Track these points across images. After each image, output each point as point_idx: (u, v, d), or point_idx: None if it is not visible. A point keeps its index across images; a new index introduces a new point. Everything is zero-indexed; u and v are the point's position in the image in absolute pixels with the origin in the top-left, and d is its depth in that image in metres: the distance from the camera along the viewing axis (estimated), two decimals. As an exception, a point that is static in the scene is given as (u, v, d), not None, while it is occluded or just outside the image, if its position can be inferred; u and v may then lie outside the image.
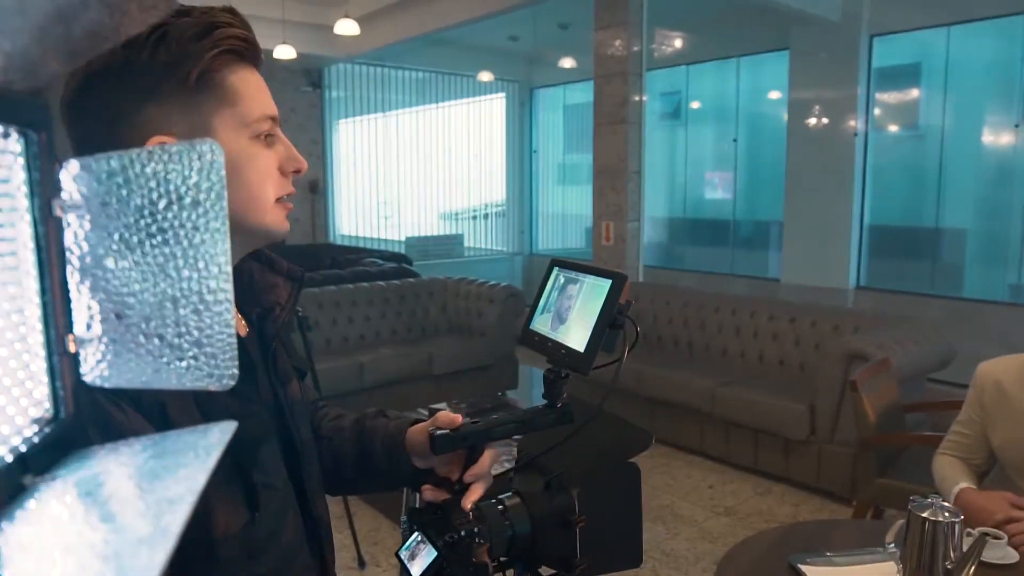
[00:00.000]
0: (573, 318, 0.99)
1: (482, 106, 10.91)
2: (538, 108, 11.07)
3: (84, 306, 0.39)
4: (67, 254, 0.38)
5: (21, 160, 0.35)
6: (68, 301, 0.38)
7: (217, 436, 0.41)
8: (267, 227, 0.84)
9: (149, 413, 0.72)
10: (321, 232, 10.09)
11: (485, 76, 9.38)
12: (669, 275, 8.53)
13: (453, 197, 11.16)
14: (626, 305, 0.97)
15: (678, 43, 8.58)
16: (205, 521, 0.76)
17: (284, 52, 7.13)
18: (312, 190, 9.92)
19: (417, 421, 1.04)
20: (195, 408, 0.77)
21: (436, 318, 5.48)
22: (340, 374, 4.53)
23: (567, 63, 8.95)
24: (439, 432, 0.95)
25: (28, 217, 0.36)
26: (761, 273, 8.10)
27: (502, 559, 1.02)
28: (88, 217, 0.38)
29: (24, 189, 0.35)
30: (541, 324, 1.06)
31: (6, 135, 0.34)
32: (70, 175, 0.38)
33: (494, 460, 0.98)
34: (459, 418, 0.96)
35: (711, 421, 4.07)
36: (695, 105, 8.84)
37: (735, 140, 8.17)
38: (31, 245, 0.36)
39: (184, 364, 0.40)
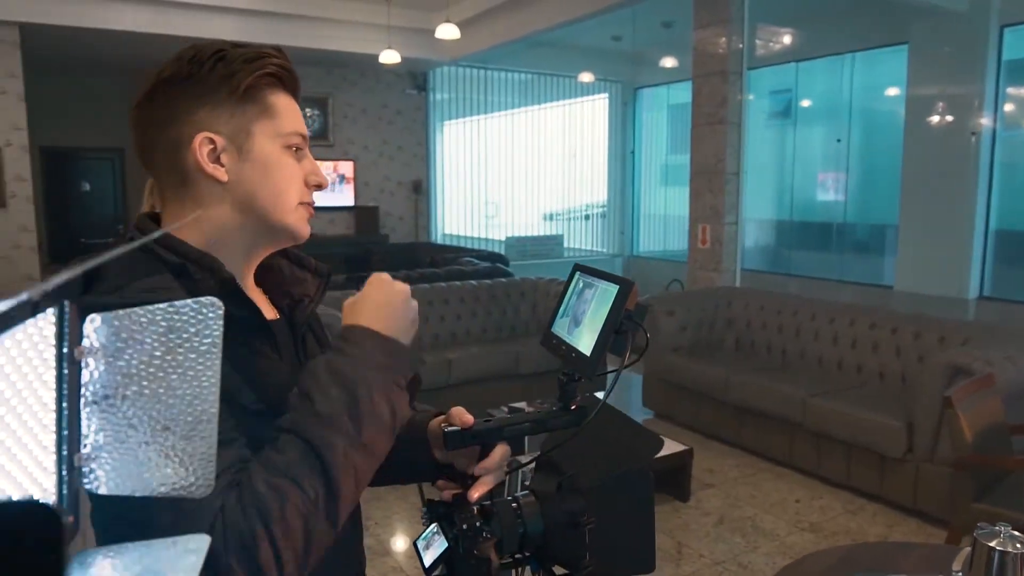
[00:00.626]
0: (586, 322, 1.00)
1: (584, 107, 10.89)
2: (641, 108, 10.94)
3: (92, 431, 0.47)
4: (83, 389, 0.47)
5: (53, 320, 0.44)
6: (79, 427, 0.47)
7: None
8: (289, 226, 0.93)
9: None
10: (423, 231, 10.36)
11: (586, 77, 9.37)
12: (773, 280, 8.23)
13: (555, 198, 11.20)
14: (638, 311, 0.97)
15: (787, 39, 8.27)
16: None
17: (389, 57, 7.37)
18: (415, 190, 10.20)
19: (439, 414, 1.07)
20: (235, 378, 0.82)
21: (526, 318, 5.53)
22: (428, 370, 4.65)
23: (671, 62, 8.81)
24: (450, 428, 0.98)
25: (53, 364, 0.44)
26: (873, 280, 7.69)
27: (516, 556, 1.03)
28: (103, 361, 0.47)
29: (52, 345, 0.44)
30: (560, 327, 1.08)
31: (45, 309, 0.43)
32: (92, 326, 0.47)
33: (504, 457, 1.00)
34: (470, 417, 0.99)
35: (801, 432, 3.91)
36: (805, 103, 8.49)
37: (839, 140, 7.79)
38: (54, 385, 0.44)
39: (171, 480, 0.49)
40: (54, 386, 0.44)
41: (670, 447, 3.58)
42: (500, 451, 1.00)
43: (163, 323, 0.49)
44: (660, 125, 10.80)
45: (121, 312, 0.48)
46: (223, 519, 0.69)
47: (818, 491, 3.75)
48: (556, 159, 10.99)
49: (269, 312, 0.98)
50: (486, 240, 10.66)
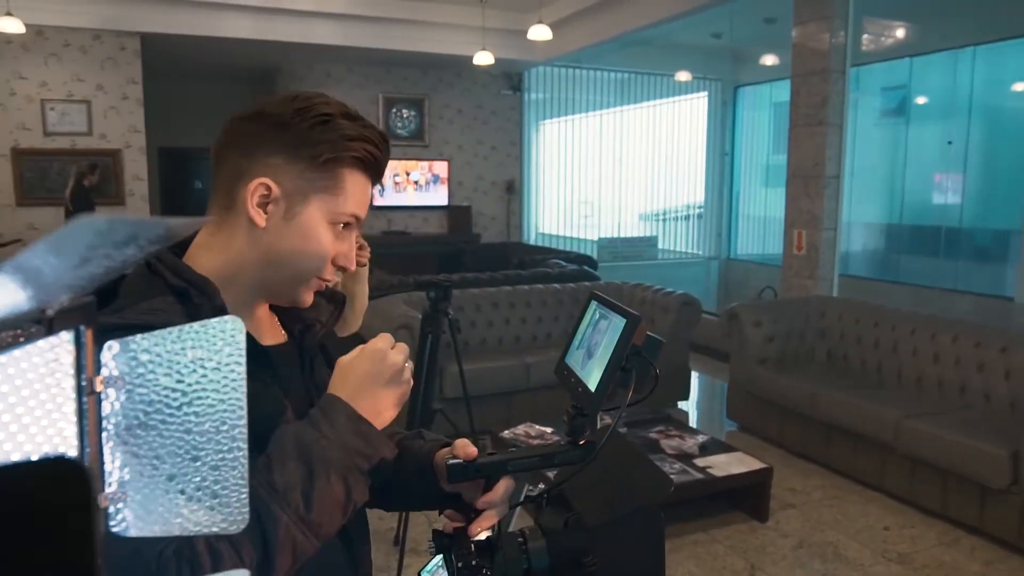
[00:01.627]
0: (597, 356, 0.97)
1: (682, 105, 10.64)
2: (742, 107, 10.58)
3: (117, 467, 0.46)
4: (104, 422, 0.46)
5: (70, 347, 0.43)
6: (102, 464, 0.45)
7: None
8: (295, 291, 0.96)
9: None
10: (515, 231, 10.40)
11: (683, 76, 9.15)
12: (879, 287, 7.79)
13: (650, 198, 10.99)
14: (648, 347, 0.93)
15: (900, 33, 7.79)
16: None
17: (482, 58, 7.43)
18: (508, 190, 10.25)
19: (446, 445, 1.06)
20: None
21: (608, 323, 5.46)
22: (507, 373, 4.67)
23: (774, 59, 8.47)
24: (452, 461, 0.96)
25: (73, 395, 0.43)
26: (991, 290, 7.15)
27: None
28: (124, 391, 0.46)
29: (71, 375, 0.43)
30: (573, 359, 1.04)
31: (57, 332, 0.42)
32: (111, 354, 0.45)
33: (508, 491, 0.98)
34: (474, 450, 0.97)
35: (894, 455, 3.67)
36: (920, 100, 7.98)
37: (950, 143, 7.26)
38: (74, 419, 0.43)
39: (202, 514, 0.47)
40: (75, 419, 0.43)
41: (748, 464, 3.44)
42: (503, 485, 0.97)
43: (186, 345, 0.48)
44: (762, 124, 10.42)
45: (140, 337, 0.47)
46: (157, 568, 0.69)
47: (910, 519, 3.51)
48: (652, 159, 10.79)
49: (276, 336, 1.01)
50: (580, 240, 10.58)
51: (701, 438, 3.68)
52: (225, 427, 0.48)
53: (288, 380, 0.97)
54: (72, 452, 0.45)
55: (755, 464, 3.45)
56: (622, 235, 10.70)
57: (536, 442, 3.64)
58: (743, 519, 3.49)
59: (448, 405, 3.68)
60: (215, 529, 0.49)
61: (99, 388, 0.46)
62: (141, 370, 0.47)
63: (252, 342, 0.91)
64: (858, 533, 3.38)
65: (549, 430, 3.78)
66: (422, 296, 3.60)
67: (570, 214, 10.82)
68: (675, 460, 3.44)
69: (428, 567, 0.98)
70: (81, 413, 0.45)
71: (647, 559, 0.98)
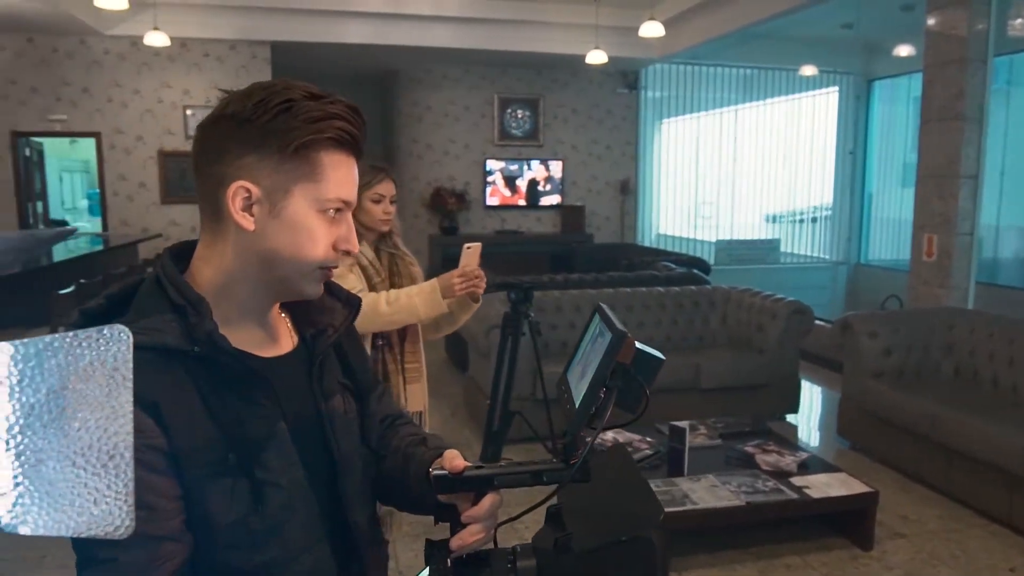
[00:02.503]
0: (588, 373, 0.91)
1: (811, 101, 10.08)
2: (877, 102, 9.90)
3: (3, 465, 0.47)
4: None
5: None
6: None
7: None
8: (300, 286, 0.94)
9: (151, 409, 0.82)
10: (629, 232, 10.23)
11: (808, 70, 8.69)
12: (1028, 298, 7.06)
13: (775, 199, 10.50)
14: (639, 365, 0.86)
15: (1060, 17, 7.01)
16: (202, 507, 0.85)
17: (596, 57, 7.35)
18: (623, 190, 10.09)
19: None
20: (202, 409, 0.86)
21: (714, 329, 5.24)
22: (602, 377, 4.58)
23: (912, 50, 7.87)
24: (438, 472, 0.94)
25: None
26: None
27: None
28: (7, 391, 0.47)
29: None
30: (572, 374, 0.99)
31: None
32: (3, 357, 0.47)
33: (494, 507, 0.93)
34: (461, 462, 0.93)
35: (1026, 487, 3.30)
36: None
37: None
38: None
39: (86, 518, 0.49)
40: None
41: (850, 486, 3.20)
42: (489, 500, 0.93)
43: (67, 353, 0.48)
44: (899, 120, 9.71)
45: (27, 341, 0.48)
46: None
47: (1042, 559, 3.15)
48: (778, 158, 10.30)
49: (284, 343, 1.00)
50: (699, 242, 10.26)
51: (801, 455, 3.46)
52: (108, 435, 0.48)
53: (290, 392, 0.96)
54: None
55: (858, 487, 3.19)
56: (744, 237, 10.28)
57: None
58: (844, 546, 3.24)
59: (531, 407, 3.64)
60: (97, 533, 0.49)
61: None
62: (28, 375, 0.47)
63: (248, 358, 0.91)
64: (977, 572, 3.06)
65: (638, 437, 3.67)
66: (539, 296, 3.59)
67: (690, 215, 10.52)
68: (769, 477, 3.24)
69: (420, 574, 0.96)
70: None
71: (638, 592, 0.91)
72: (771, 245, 10.14)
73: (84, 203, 11.40)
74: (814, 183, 10.32)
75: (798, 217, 10.55)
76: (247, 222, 0.88)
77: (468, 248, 2.25)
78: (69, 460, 0.48)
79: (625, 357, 0.85)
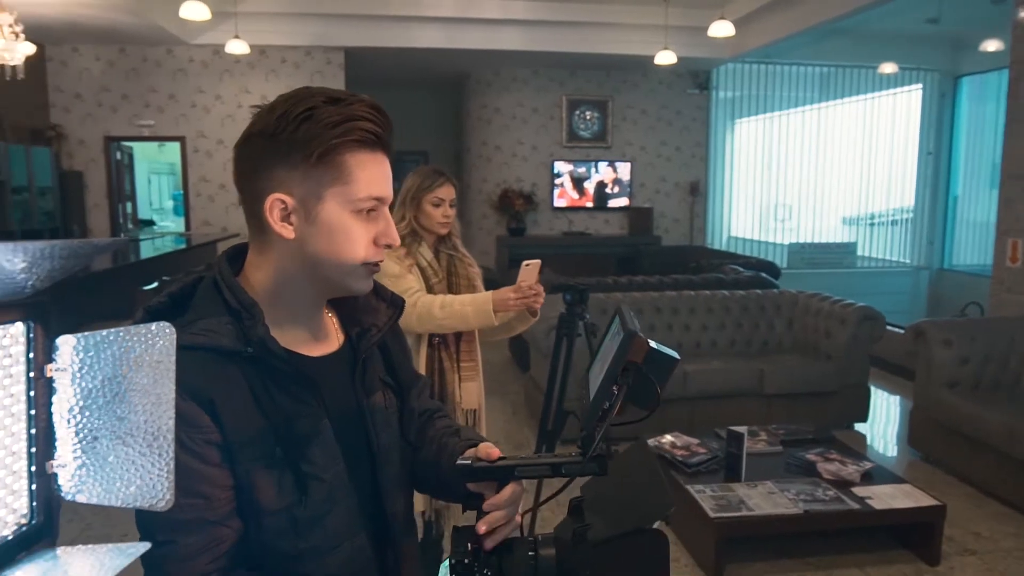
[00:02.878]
0: (604, 370, 0.93)
1: (891, 100, 9.72)
2: (964, 99, 9.46)
3: (64, 441, 0.55)
4: (54, 403, 0.55)
5: (23, 341, 0.53)
6: (52, 437, 0.55)
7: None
8: (347, 284, 0.99)
9: (207, 405, 0.90)
10: (699, 234, 10.08)
11: (887, 67, 8.38)
12: None
13: (853, 201, 10.16)
14: (651, 364, 0.88)
15: None
16: (251, 496, 0.92)
17: (664, 57, 7.28)
18: (692, 192, 9.95)
19: (475, 445, 1.07)
20: (253, 405, 0.93)
21: (780, 334, 5.13)
22: (662, 380, 4.54)
23: (999, 45, 7.50)
24: (460, 462, 0.98)
25: (24, 380, 0.53)
26: None
27: None
28: (70, 377, 0.55)
29: (23, 361, 0.53)
30: (593, 371, 1.02)
31: (14, 322, 0.53)
32: (63, 347, 0.55)
33: (514, 496, 0.96)
34: (496, 452, 0.97)
35: (1111, 506, 3.12)
36: None
37: None
38: (23, 399, 0.53)
39: (133, 490, 0.55)
40: (23, 399, 0.53)
41: (916, 498, 3.09)
42: (509, 490, 0.96)
43: (120, 345, 0.54)
44: (988, 118, 9.24)
45: (89, 334, 0.55)
46: None
47: None
48: (856, 158, 9.96)
49: (331, 343, 1.05)
50: (773, 245, 10.02)
51: (866, 465, 3.36)
52: (153, 419, 0.54)
53: (335, 389, 1.02)
54: (20, 424, 0.53)
55: (925, 499, 3.08)
56: (820, 240, 9.99)
57: (681, 453, 3.51)
58: (909, 560, 3.13)
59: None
60: (142, 504, 0.55)
61: (49, 374, 0.54)
62: (88, 363, 0.54)
63: (296, 359, 0.97)
64: (1054, 592, 2.91)
65: (696, 441, 3.64)
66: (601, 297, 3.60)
67: (763, 218, 10.28)
68: (830, 486, 3.16)
69: (446, 561, 1.00)
70: (30, 393, 0.53)
71: (649, 578, 0.93)
72: (847, 249, 9.83)
73: (169, 204, 11.98)
74: (894, 184, 9.94)
75: (876, 220, 10.18)
76: (287, 232, 0.93)
77: (527, 265, 2.28)
78: (120, 439, 0.54)
79: (636, 356, 0.87)
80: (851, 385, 4.72)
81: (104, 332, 0.54)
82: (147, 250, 7.06)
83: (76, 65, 8.04)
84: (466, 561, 0.93)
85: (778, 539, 3.25)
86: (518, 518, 0.99)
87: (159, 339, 0.54)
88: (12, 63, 5.45)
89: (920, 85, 9.52)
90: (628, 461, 1.09)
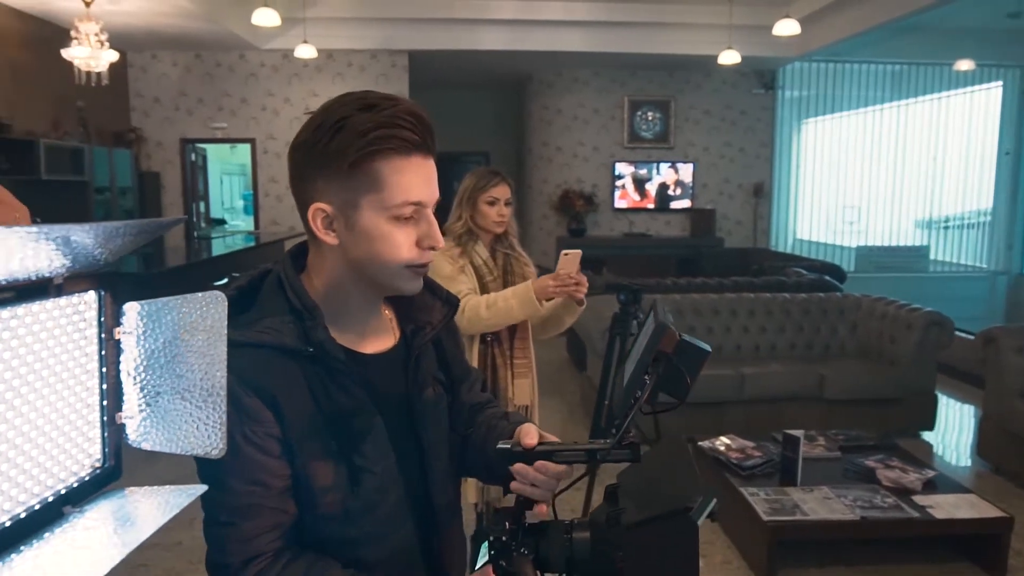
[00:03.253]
0: (636, 360, 0.96)
1: (967, 98, 9.36)
2: (1048, 97, 9.03)
3: (131, 396, 0.62)
4: (121, 362, 0.62)
5: (95, 307, 0.60)
6: (120, 392, 0.62)
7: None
8: (395, 285, 1.02)
9: (270, 401, 0.96)
10: (762, 236, 9.90)
11: (964, 64, 8.06)
12: None
13: (925, 203, 9.81)
14: (683, 354, 0.91)
15: None
16: (307, 486, 0.99)
17: (728, 57, 7.19)
18: (756, 193, 9.78)
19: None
20: (312, 402, 0.99)
21: (842, 338, 5.01)
22: (717, 382, 4.50)
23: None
24: (500, 446, 1.02)
25: (96, 341, 0.60)
26: None
27: None
28: (135, 340, 0.62)
29: (95, 325, 0.60)
30: (630, 361, 1.05)
31: (87, 292, 0.60)
32: (128, 312, 0.62)
33: (555, 472, 0.98)
34: (534, 438, 1.00)
35: None
36: None
37: None
38: (96, 359, 0.60)
39: (191, 439, 0.62)
40: (96, 358, 0.60)
41: (981, 509, 2.99)
42: (552, 466, 0.98)
43: (178, 311, 0.61)
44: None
45: (149, 301, 0.61)
46: (253, 573, 0.95)
47: None
48: (928, 159, 9.62)
49: (386, 340, 1.10)
50: (839, 248, 9.77)
51: (928, 473, 3.27)
52: (207, 376, 0.60)
53: (388, 385, 1.07)
54: (93, 380, 0.60)
55: (990, 511, 2.98)
56: (892, 243, 9.68)
57: (736, 455, 3.48)
58: (972, 572, 3.04)
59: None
60: (195, 452, 0.61)
61: (117, 337, 0.61)
62: (150, 327, 0.61)
63: (353, 358, 1.02)
64: None
65: (752, 444, 3.60)
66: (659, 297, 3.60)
67: (832, 220, 10.02)
68: (889, 494, 3.09)
69: (486, 543, 1.05)
70: (101, 353, 0.60)
71: (678, 564, 0.95)
72: (918, 252, 9.51)
73: (240, 203, 12.41)
74: (969, 186, 9.56)
75: (951, 223, 9.81)
76: (330, 238, 0.97)
77: (566, 254, 2.32)
78: (179, 394, 0.60)
79: (667, 346, 0.89)
80: (917, 392, 4.59)
81: (164, 300, 0.60)
82: (218, 248, 7.34)
83: (155, 71, 8.42)
84: (503, 539, 0.98)
85: (833, 546, 3.19)
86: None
87: (212, 307, 0.59)
88: (97, 70, 5.76)
89: (1000, 82, 9.14)
90: (663, 452, 1.12)
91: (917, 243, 9.77)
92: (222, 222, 10.93)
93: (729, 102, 9.67)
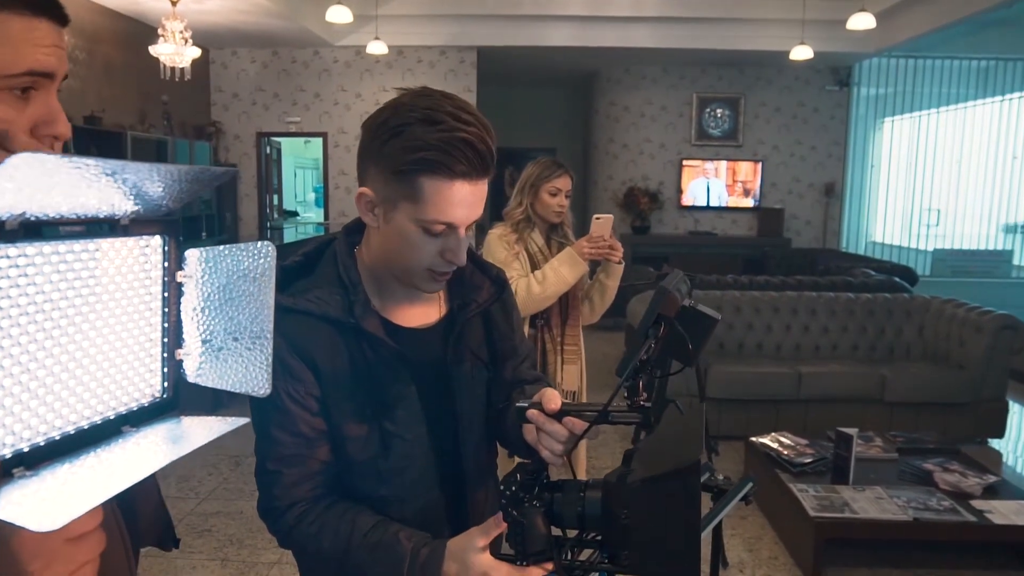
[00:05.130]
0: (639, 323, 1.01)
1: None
2: None
3: (189, 335, 0.68)
4: (181, 303, 0.68)
5: (160, 251, 0.66)
6: (180, 331, 0.68)
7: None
8: (412, 282, 1.08)
9: (311, 364, 1.05)
10: (832, 237, 9.63)
11: (1054, 60, 7.64)
12: None
13: (1012, 206, 9.35)
14: (686, 319, 0.95)
15: None
16: (342, 444, 1.08)
17: (800, 53, 7.04)
18: (827, 193, 9.53)
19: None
20: (349, 369, 1.07)
21: (908, 340, 4.87)
22: (775, 380, 4.44)
23: None
24: (518, 404, 1.08)
25: (160, 282, 0.66)
26: None
27: (590, 538, 1.08)
28: (195, 283, 0.68)
29: (160, 267, 0.66)
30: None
31: (153, 236, 0.66)
32: (189, 258, 0.68)
33: (573, 426, 1.03)
34: (556, 402, 1.04)
35: None
36: None
37: None
38: (160, 298, 0.66)
39: (240, 377, 0.67)
40: (159, 298, 0.67)
41: (1043, 517, 2.89)
42: (577, 422, 1.01)
43: (232, 259, 0.67)
44: None
45: (208, 248, 0.68)
46: (295, 516, 1.05)
47: None
48: (1018, 160, 9.16)
49: (429, 315, 1.15)
50: (915, 252, 9.42)
51: (990, 478, 3.17)
52: (256, 320, 0.65)
53: (427, 357, 1.12)
54: (156, 318, 0.67)
55: (1052, 517, 2.88)
56: (966, 247, 9.27)
57: (788, 452, 3.45)
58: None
59: (684, 399, 3.66)
60: (244, 389, 0.66)
61: (179, 280, 0.67)
62: (208, 272, 0.67)
63: (393, 332, 1.09)
64: None
65: (805, 442, 3.55)
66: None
67: (911, 223, 9.66)
68: (945, 497, 3.01)
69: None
70: (164, 294, 0.67)
71: (681, 521, 0.99)
72: (1001, 257, 9.08)
73: (311, 196, 12.79)
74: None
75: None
76: (372, 220, 1.05)
77: (597, 219, 2.42)
78: (232, 335, 0.65)
79: (668, 310, 0.94)
80: (986, 399, 4.43)
81: (221, 247, 0.65)
82: (289, 236, 7.62)
83: (235, 67, 8.78)
84: (514, 489, 1.03)
85: (885, 547, 3.13)
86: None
87: (263, 256, 0.64)
88: (181, 65, 6.06)
89: (1098, 78, 8.64)
90: (680, 420, 1.16)
91: (1006, 248, 9.32)
92: (294, 214, 11.29)
93: (801, 99, 9.44)
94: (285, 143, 10.26)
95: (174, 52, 5.89)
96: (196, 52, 6.13)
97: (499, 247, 2.51)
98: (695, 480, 0.99)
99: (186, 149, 7.79)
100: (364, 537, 1.04)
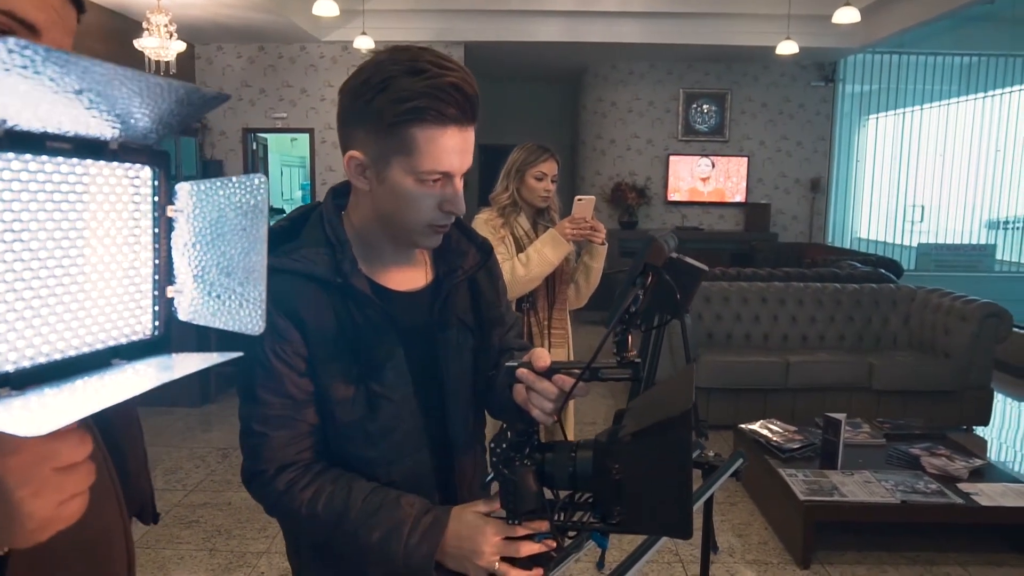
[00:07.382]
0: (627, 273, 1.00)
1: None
2: None
3: (180, 271, 0.65)
4: (172, 238, 0.65)
5: (150, 183, 0.63)
6: (171, 267, 0.65)
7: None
8: (414, 240, 1.08)
9: (298, 323, 1.04)
10: (819, 232, 9.69)
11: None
12: None
13: (995, 202, 9.45)
14: (674, 268, 0.95)
15: None
16: (329, 406, 1.07)
17: (786, 48, 7.08)
18: (813, 188, 9.58)
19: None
20: (336, 329, 1.05)
21: (894, 329, 4.90)
22: (764, 369, 4.46)
23: None
24: (508, 364, 1.07)
25: (150, 216, 0.63)
26: None
27: (581, 498, 1.07)
28: (185, 218, 0.65)
29: (149, 201, 0.63)
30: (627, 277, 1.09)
31: (143, 167, 0.63)
32: (180, 192, 0.65)
33: (564, 383, 1.02)
34: (546, 360, 1.04)
35: None
36: None
37: None
38: (150, 233, 0.63)
39: (231, 314, 0.64)
40: (150, 233, 0.64)
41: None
42: (567, 379, 0.99)
43: (225, 192, 0.64)
44: None
45: (199, 181, 0.65)
46: (286, 481, 1.04)
47: None
48: (1001, 157, 9.27)
49: (417, 280, 1.15)
50: (903, 248, 9.50)
51: (976, 462, 3.19)
52: (248, 255, 0.63)
53: (414, 321, 1.11)
54: (147, 253, 0.65)
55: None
56: (946, 242, 9.36)
57: (777, 439, 3.46)
58: (1020, 563, 2.96)
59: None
60: (237, 328, 0.63)
61: (170, 214, 0.65)
62: (199, 206, 0.65)
63: (380, 293, 1.08)
64: None
65: (794, 429, 3.57)
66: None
67: (895, 218, 9.74)
68: (932, 480, 3.04)
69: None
70: (155, 230, 0.64)
71: (671, 479, 0.99)
72: (984, 251, 9.18)
73: (298, 194, 12.74)
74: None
75: (1021, 223, 9.42)
76: (363, 184, 1.03)
77: (579, 200, 2.44)
78: (224, 271, 0.63)
79: (655, 259, 0.95)
80: (972, 386, 4.47)
81: (212, 180, 0.63)
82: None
83: (220, 62, 8.72)
84: (504, 447, 1.03)
85: (873, 530, 3.15)
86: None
87: (256, 189, 0.62)
88: (166, 59, 6.01)
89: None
90: (672, 381, 1.16)
91: (988, 243, 9.42)
92: (281, 211, 11.25)
93: (787, 95, 9.49)
94: (272, 141, 10.20)
95: (159, 46, 5.85)
96: (181, 46, 6.09)
97: (485, 231, 2.51)
98: (686, 428, 0.99)
99: (171, 145, 7.73)
100: (364, 501, 1.03)
